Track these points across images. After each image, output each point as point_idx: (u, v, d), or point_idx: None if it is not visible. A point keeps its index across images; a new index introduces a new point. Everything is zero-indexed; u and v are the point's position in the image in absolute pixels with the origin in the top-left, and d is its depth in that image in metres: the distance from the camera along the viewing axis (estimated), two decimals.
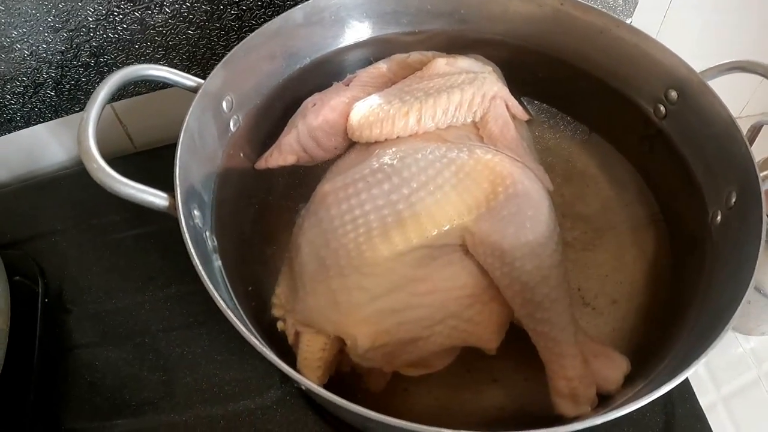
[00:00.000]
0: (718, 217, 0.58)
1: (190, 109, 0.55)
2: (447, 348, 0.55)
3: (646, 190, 0.65)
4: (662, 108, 0.63)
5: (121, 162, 0.81)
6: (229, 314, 0.46)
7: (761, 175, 0.55)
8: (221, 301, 0.46)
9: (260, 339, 0.48)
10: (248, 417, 0.63)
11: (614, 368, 0.55)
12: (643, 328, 0.60)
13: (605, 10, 0.64)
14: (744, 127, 0.69)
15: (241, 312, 0.52)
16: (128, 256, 0.73)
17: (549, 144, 0.69)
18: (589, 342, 0.56)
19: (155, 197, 0.51)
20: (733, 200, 0.56)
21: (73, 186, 0.78)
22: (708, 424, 0.66)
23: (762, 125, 0.78)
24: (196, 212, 0.53)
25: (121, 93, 0.77)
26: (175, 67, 0.78)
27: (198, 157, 0.56)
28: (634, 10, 0.85)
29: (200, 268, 0.48)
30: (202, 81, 0.57)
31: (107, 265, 0.73)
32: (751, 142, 0.79)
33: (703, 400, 0.68)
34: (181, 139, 0.54)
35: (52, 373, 0.67)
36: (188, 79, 0.58)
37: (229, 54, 0.59)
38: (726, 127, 0.58)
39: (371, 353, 0.52)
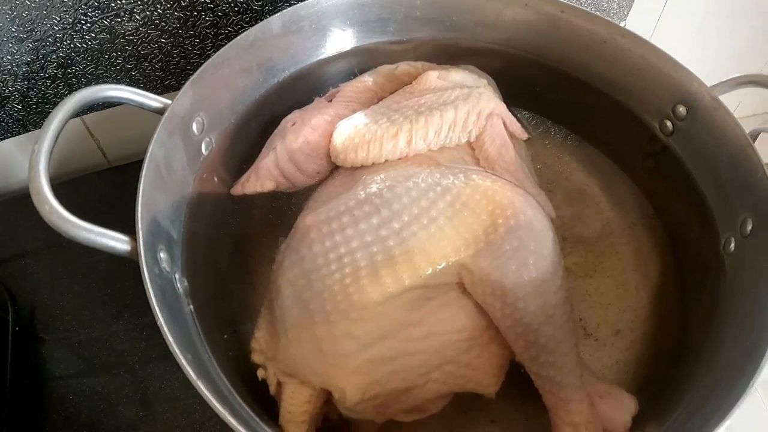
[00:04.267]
0: (732, 245, 0.49)
1: (154, 135, 0.45)
2: (444, 393, 0.46)
3: (651, 211, 0.56)
4: (669, 124, 0.54)
5: (95, 179, 0.70)
6: (200, 386, 0.36)
7: None
8: (190, 372, 0.36)
9: (231, 407, 0.38)
10: None
11: (622, 410, 0.47)
12: (649, 360, 0.51)
13: (603, 16, 0.54)
14: None
15: (217, 367, 0.43)
16: (102, 280, 0.63)
17: (547, 161, 0.59)
18: (594, 381, 0.47)
19: (115, 241, 0.41)
20: (749, 228, 0.47)
21: None
22: None
23: (759, 133, 0.69)
24: (162, 255, 0.43)
25: (92, 106, 0.66)
26: (148, 77, 0.67)
27: (165, 188, 0.46)
28: (627, 13, 0.74)
29: (165, 328, 0.38)
30: (168, 102, 0.47)
31: (80, 290, 0.63)
32: None
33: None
34: (144, 172, 0.44)
35: (26, 408, 0.57)
36: (153, 100, 0.47)
37: (199, 71, 0.48)
38: (741, 147, 0.49)
39: (361, 406, 0.43)
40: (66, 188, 0.68)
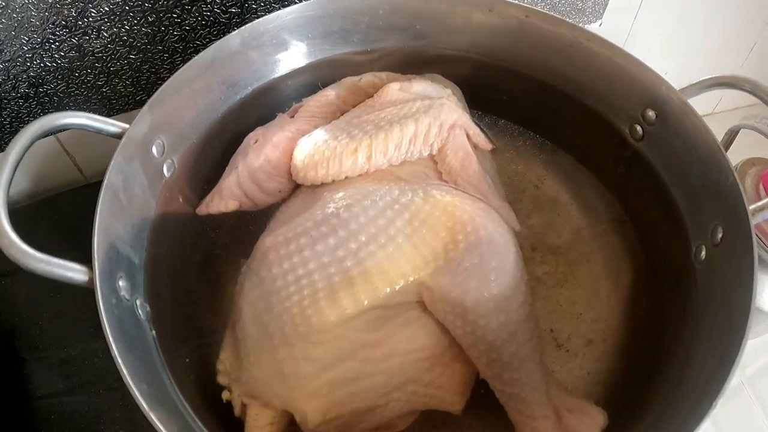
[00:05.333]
0: (703, 253, 0.48)
1: (111, 162, 0.45)
2: (407, 411, 0.46)
3: (623, 218, 0.54)
4: (639, 129, 0.52)
5: (72, 196, 0.70)
6: (152, 418, 0.36)
7: (751, 208, 0.45)
8: (143, 404, 0.37)
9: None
10: None
11: (590, 424, 0.46)
12: (620, 371, 0.50)
13: (573, 14, 0.53)
14: (717, 125, 0.58)
15: (179, 392, 0.43)
16: (80, 299, 0.63)
17: (516, 168, 0.58)
18: (562, 396, 0.46)
19: (72, 272, 0.41)
20: (720, 236, 0.46)
21: (21, 222, 0.68)
22: None
23: (740, 129, 0.67)
24: (122, 282, 0.43)
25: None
26: (119, 94, 0.67)
27: (125, 214, 0.46)
28: (603, 12, 0.72)
29: (119, 360, 0.38)
30: (126, 126, 0.47)
31: (59, 309, 0.63)
32: (727, 146, 0.68)
33: None
34: (101, 200, 0.43)
35: (7, 428, 0.58)
36: (110, 125, 0.46)
37: (156, 93, 0.48)
38: (711, 153, 0.47)
39: (323, 427, 0.43)
40: (43, 206, 0.68)
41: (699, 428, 0.38)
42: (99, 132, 0.47)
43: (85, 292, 0.64)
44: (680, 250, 0.49)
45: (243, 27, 0.51)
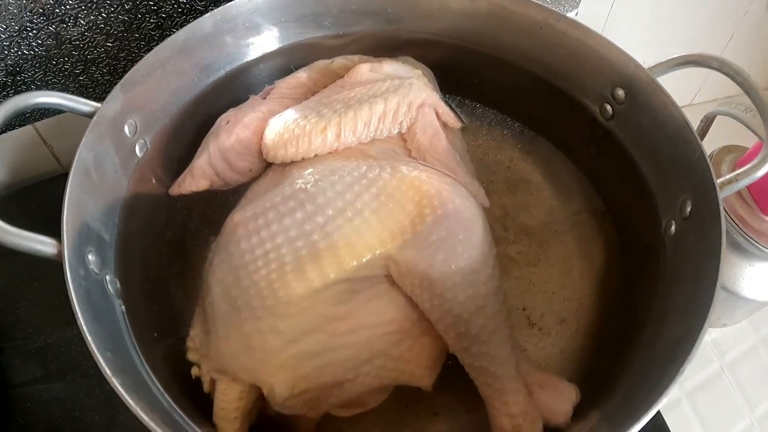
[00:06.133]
0: (672, 227, 0.48)
1: (83, 139, 0.45)
2: (378, 387, 0.45)
3: (595, 197, 0.54)
4: (609, 108, 0.53)
5: (49, 185, 0.70)
6: (115, 383, 0.36)
7: (719, 182, 0.45)
8: (106, 369, 0.36)
9: (158, 406, 0.38)
10: None
11: (562, 399, 0.46)
12: (593, 348, 0.50)
13: (549, 4, 0.53)
14: (696, 116, 0.58)
15: (147, 367, 0.42)
16: (56, 287, 0.62)
17: (488, 150, 0.58)
18: (533, 372, 0.46)
19: (41, 245, 0.41)
20: (688, 210, 0.46)
21: None
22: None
23: (715, 116, 0.67)
24: (91, 257, 0.43)
25: (42, 112, 0.66)
26: (97, 82, 0.67)
27: (96, 191, 0.46)
28: (579, 1, 0.73)
29: (84, 327, 0.38)
30: (98, 105, 0.47)
31: (35, 297, 0.62)
32: (704, 133, 0.68)
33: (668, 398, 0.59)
34: (71, 176, 0.44)
35: None
36: (83, 104, 0.47)
37: (129, 73, 0.48)
38: (679, 128, 0.47)
39: (291, 401, 0.43)
40: (20, 196, 0.68)
41: (665, 395, 0.38)
42: (72, 111, 0.47)
43: (60, 280, 0.64)
44: (651, 226, 0.49)
45: (215, 10, 0.52)
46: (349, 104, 0.48)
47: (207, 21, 0.52)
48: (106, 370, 0.37)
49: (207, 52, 0.53)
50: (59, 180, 0.71)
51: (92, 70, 0.64)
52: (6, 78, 0.63)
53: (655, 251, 0.49)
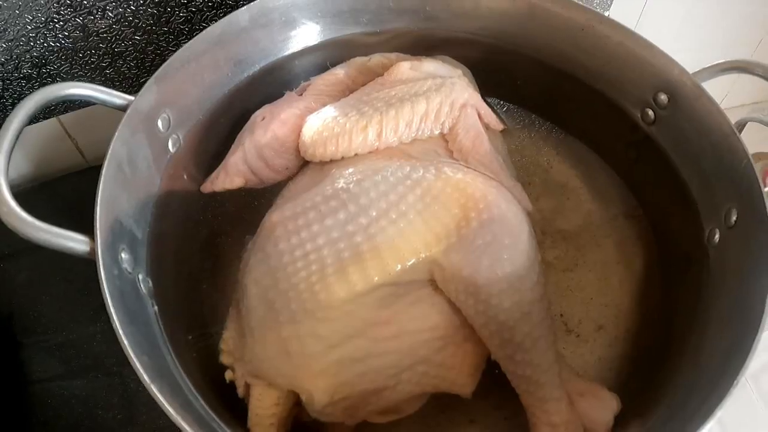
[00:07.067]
0: (716, 236, 0.46)
1: (116, 133, 0.43)
2: (417, 394, 0.44)
3: (634, 203, 0.53)
4: (651, 113, 0.51)
5: (73, 180, 0.68)
6: (153, 389, 0.35)
7: (767, 190, 0.43)
8: (144, 375, 0.35)
9: (192, 410, 0.37)
10: None
11: (603, 408, 0.44)
12: (632, 356, 0.49)
13: (587, 5, 0.52)
14: None
15: (181, 370, 0.41)
16: (79, 282, 0.61)
17: (526, 153, 0.56)
18: (574, 379, 0.45)
19: (73, 242, 0.39)
20: (734, 219, 0.45)
21: (22, 205, 0.66)
22: None
23: (747, 122, 0.66)
24: (124, 255, 0.41)
25: (67, 105, 0.64)
26: (123, 75, 0.65)
27: (129, 187, 0.44)
28: (611, 2, 0.71)
29: (120, 330, 0.37)
30: (131, 98, 0.45)
31: (57, 293, 0.61)
32: None
33: None
34: (104, 171, 0.42)
35: (4, 412, 0.56)
36: (116, 97, 0.45)
37: (163, 66, 0.47)
38: (724, 136, 0.46)
39: (330, 408, 0.41)
40: (45, 190, 0.66)
41: (720, 407, 0.37)
42: (104, 104, 0.45)
43: (84, 275, 0.63)
44: (693, 234, 0.48)
45: (252, 3, 0.50)
46: (391, 103, 0.47)
47: (243, 14, 0.50)
48: (145, 376, 0.35)
49: (242, 46, 0.52)
50: (83, 174, 0.70)
51: (119, 63, 0.63)
52: (31, 70, 0.61)
53: (698, 259, 0.47)
